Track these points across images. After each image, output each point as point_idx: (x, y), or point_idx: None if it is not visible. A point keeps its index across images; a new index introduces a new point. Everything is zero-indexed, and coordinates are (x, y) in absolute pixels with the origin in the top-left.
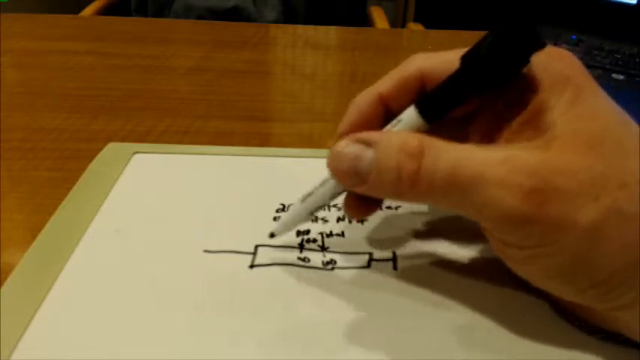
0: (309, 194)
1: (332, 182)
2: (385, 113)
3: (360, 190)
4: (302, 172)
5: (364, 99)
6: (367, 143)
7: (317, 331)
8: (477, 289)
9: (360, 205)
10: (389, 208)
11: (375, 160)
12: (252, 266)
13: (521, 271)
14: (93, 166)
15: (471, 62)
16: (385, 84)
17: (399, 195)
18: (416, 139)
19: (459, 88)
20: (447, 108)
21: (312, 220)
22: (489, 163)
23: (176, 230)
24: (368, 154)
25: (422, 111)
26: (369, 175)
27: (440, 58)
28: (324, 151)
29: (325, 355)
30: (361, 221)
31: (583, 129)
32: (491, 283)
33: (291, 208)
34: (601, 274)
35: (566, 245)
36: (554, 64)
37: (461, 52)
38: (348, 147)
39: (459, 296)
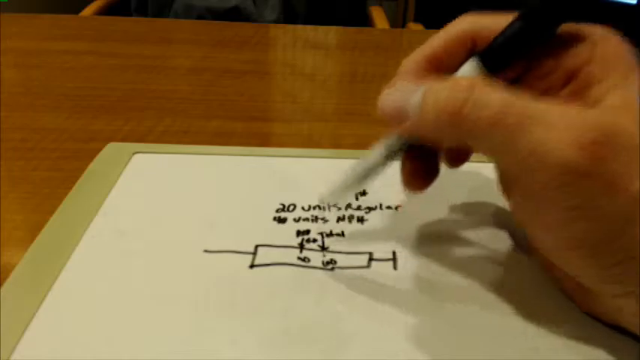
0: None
1: (384, 142)
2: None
3: (405, 127)
4: (302, 172)
5: (413, 61)
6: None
7: (317, 331)
8: (477, 288)
9: (417, 175)
10: (389, 207)
11: (425, 92)
12: (252, 266)
13: (545, 236)
14: (93, 166)
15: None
16: (434, 44)
17: (442, 130)
18: (467, 79)
19: (524, 33)
20: (511, 55)
21: (312, 220)
22: (548, 109)
23: (176, 230)
24: (418, 91)
25: (485, 61)
26: (417, 108)
27: (491, 18)
28: (324, 151)
29: (325, 355)
30: (361, 221)
31: (633, 104)
32: (492, 282)
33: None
34: (634, 250)
35: (611, 210)
36: (605, 42)
37: (507, 15)
38: (398, 86)
39: (459, 296)
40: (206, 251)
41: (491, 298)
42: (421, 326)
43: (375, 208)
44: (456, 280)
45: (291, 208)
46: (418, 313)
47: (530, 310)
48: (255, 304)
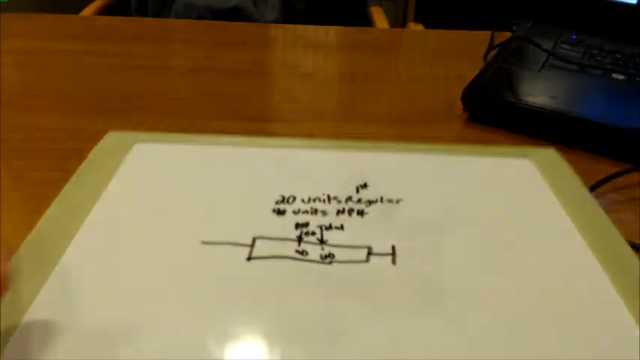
0: None
1: None
2: None
3: None
4: (303, 164)
5: None
6: None
7: (314, 326)
8: (474, 285)
9: None
10: (390, 201)
11: None
12: (249, 259)
13: None
14: (92, 155)
15: None
16: None
17: None
18: None
19: None
20: None
21: (312, 213)
22: None
23: (174, 220)
24: None
25: None
26: None
27: None
28: (326, 142)
29: (321, 351)
30: (361, 214)
31: None
32: (490, 279)
33: None
34: None
35: None
36: None
37: None
38: None
39: (456, 292)
40: (204, 242)
41: (490, 294)
42: (420, 322)
43: (375, 202)
44: (456, 276)
45: (291, 200)
46: (417, 308)
47: (527, 307)
48: (252, 298)
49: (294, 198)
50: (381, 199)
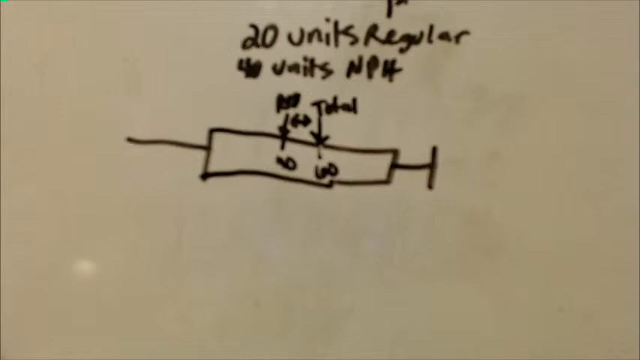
0: None
1: None
2: None
3: None
4: None
5: None
6: None
7: (300, 301)
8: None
9: None
10: (444, 37)
11: None
12: (205, 175)
13: None
14: None
15: None
16: None
17: None
18: None
19: None
20: None
21: (305, 70)
22: None
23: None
24: None
25: None
26: None
27: None
28: None
29: (314, 349)
30: (390, 71)
31: None
32: None
33: None
34: None
35: None
36: None
37: None
38: None
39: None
40: (130, 140)
41: None
42: (456, 295)
43: (419, 39)
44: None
45: (269, 38)
46: (452, 274)
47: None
48: (211, 254)
49: (275, 32)
50: (430, 31)
